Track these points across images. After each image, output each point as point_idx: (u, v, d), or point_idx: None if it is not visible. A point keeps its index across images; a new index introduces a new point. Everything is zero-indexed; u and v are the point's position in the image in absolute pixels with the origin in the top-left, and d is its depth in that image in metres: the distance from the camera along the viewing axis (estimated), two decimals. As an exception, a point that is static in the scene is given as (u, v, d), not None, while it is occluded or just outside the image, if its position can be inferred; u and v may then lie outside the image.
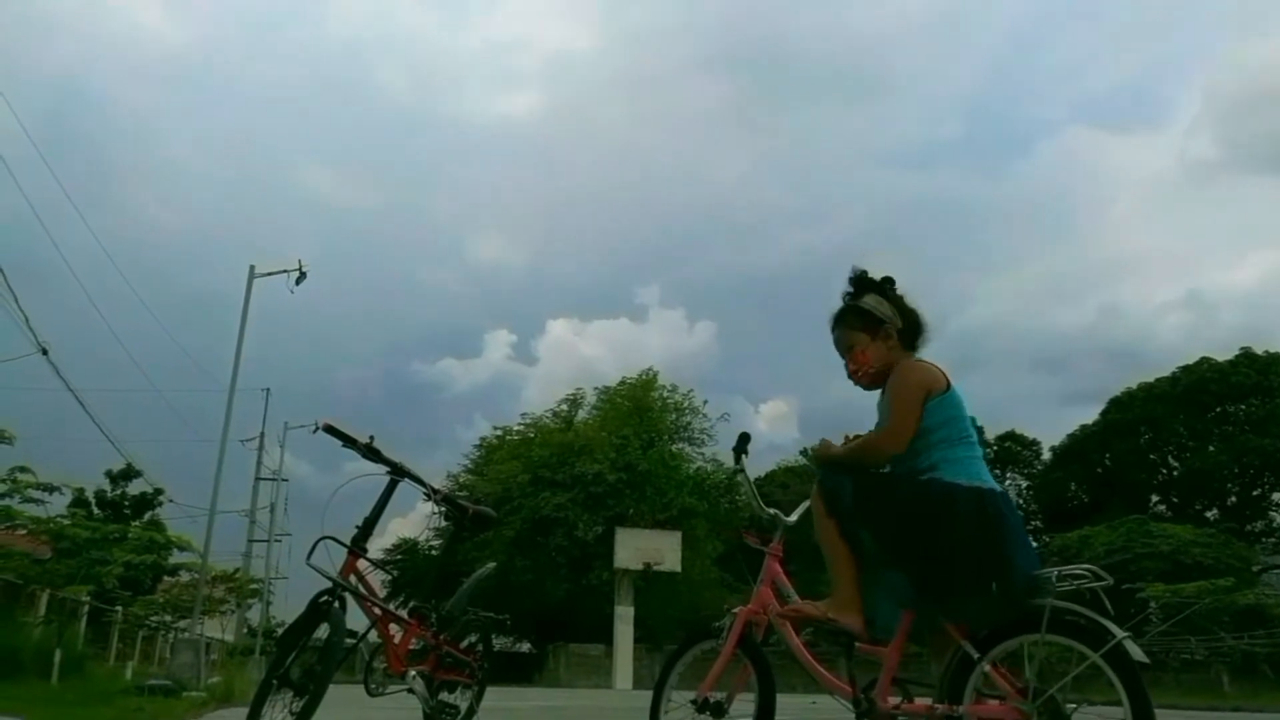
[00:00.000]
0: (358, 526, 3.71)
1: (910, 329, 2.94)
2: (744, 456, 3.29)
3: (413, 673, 3.68)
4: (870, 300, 2.95)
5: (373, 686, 3.86)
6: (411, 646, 3.79)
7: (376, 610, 3.71)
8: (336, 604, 3.49)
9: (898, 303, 2.95)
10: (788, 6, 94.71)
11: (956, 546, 2.50)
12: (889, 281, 2.99)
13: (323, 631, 3.45)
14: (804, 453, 40.62)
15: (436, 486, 4.00)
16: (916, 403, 2.74)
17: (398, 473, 3.85)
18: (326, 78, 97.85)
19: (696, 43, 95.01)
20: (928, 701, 2.53)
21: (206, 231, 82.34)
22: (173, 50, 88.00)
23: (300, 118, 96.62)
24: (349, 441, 3.79)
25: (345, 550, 3.63)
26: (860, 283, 3.00)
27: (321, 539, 3.63)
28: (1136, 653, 2.24)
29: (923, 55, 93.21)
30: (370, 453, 3.80)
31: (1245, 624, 27.81)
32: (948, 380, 2.80)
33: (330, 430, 3.83)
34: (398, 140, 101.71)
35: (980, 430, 2.31)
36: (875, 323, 2.92)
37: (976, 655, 2.47)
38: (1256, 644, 26.73)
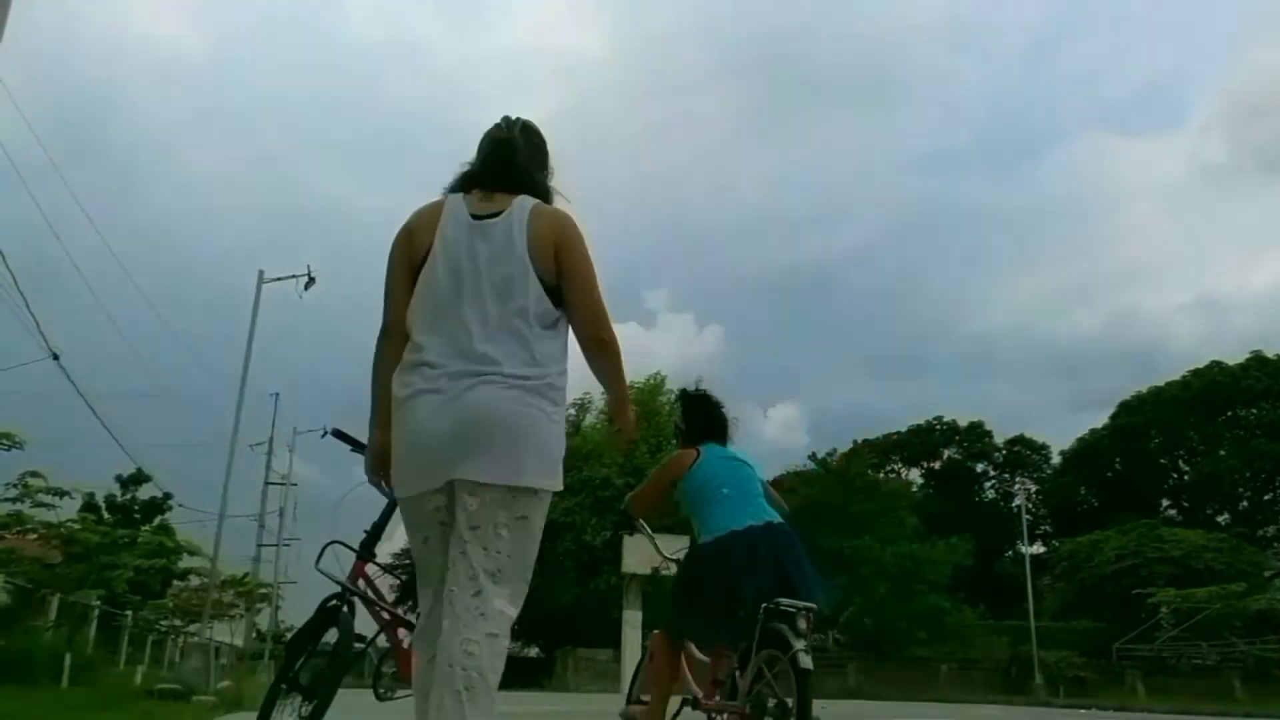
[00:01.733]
0: (366, 531, 3.72)
1: (691, 430, 3.94)
2: (636, 524, 4.20)
3: None
4: (677, 414, 4.15)
5: (381, 691, 3.86)
6: None
7: (385, 615, 3.71)
8: (345, 609, 3.49)
9: (687, 408, 4.04)
10: (801, 12, 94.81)
11: (703, 596, 3.47)
12: (684, 393, 4.14)
13: (332, 636, 3.46)
14: (811, 456, 40.54)
15: None
16: (658, 482, 3.87)
17: None
18: (339, 85, 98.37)
19: (709, 48, 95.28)
20: (722, 699, 3.52)
21: (220, 237, 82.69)
22: (189, 58, 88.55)
23: (313, 125, 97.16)
24: (357, 445, 3.77)
25: (354, 555, 3.64)
26: (679, 398, 4.18)
27: (330, 544, 3.64)
28: (804, 661, 2.99)
29: (936, 60, 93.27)
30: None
31: (1257, 629, 27.65)
32: (696, 456, 3.73)
33: (339, 435, 3.82)
34: (410, 146, 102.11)
35: (746, 467, 3.67)
36: (676, 430, 4.13)
37: (735, 668, 3.35)
38: (1268, 649, 26.56)
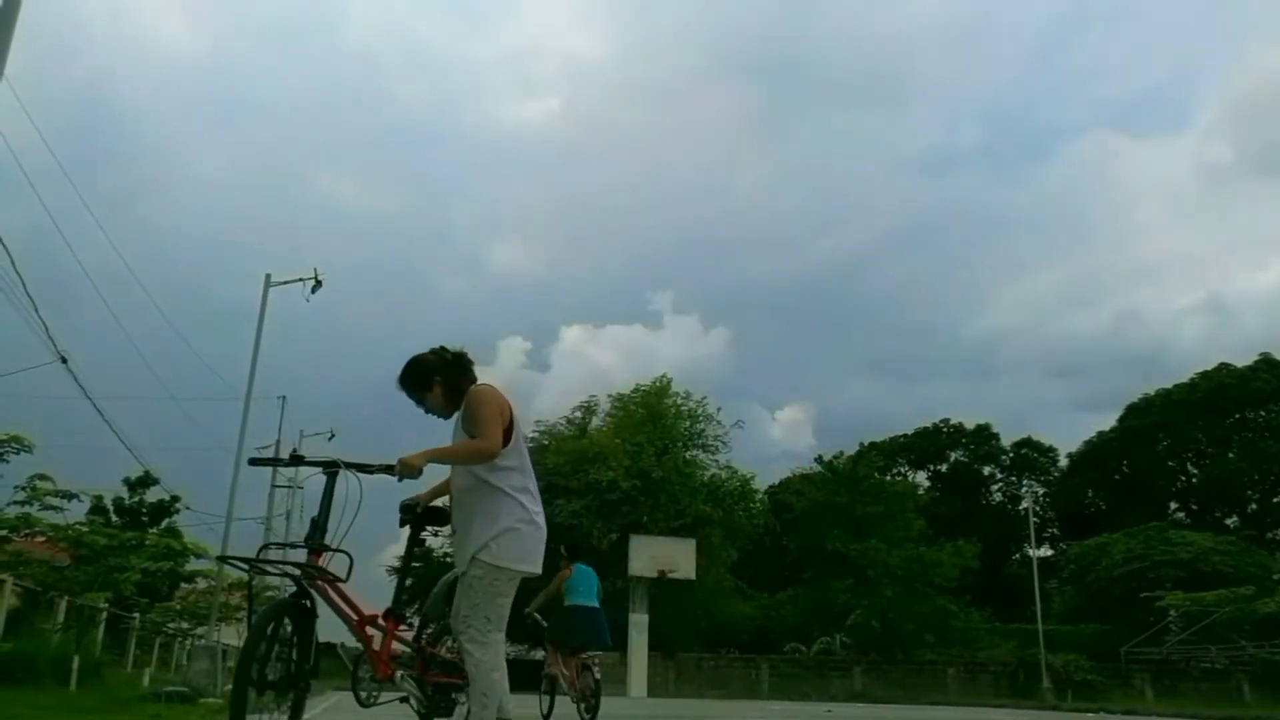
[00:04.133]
0: (312, 520, 3.51)
1: (569, 557, 9.16)
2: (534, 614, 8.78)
3: (400, 674, 3.58)
4: (564, 549, 9.14)
5: (363, 695, 3.76)
6: (397, 653, 3.65)
7: (351, 615, 3.50)
8: (305, 601, 3.34)
9: (569, 552, 9.24)
10: (807, 12, 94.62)
11: (563, 628, 8.74)
12: (568, 547, 9.31)
13: (287, 628, 3.32)
14: (818, 458, 40.41)
15: (388, 463, 3.52)
16: (557, 586, 8.99)
17: (332, 465, 3.57)
18: (344, 87, 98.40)
19: (714, 49, 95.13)
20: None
21: (226, 240, 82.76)
22: (193, 61, 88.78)
23: (318, 127, 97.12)
24: (275, 463, 4.29)
25: (305, 551, 3.42)
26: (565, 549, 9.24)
27: (264, 547, 3.49)
28: (595, 674, 8.74)
29: (943, 61, 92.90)
30: (296, 460, 3.69)
31: (1266, 632, 27.50)
32: (570, 572, 9.01)
33: (255, 462, 4.32)
34: (414, 148, 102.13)
35: (588, 577, 9.08)
36: (562, 555, 9.06)
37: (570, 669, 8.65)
38: (1277, 653, 26.42)
